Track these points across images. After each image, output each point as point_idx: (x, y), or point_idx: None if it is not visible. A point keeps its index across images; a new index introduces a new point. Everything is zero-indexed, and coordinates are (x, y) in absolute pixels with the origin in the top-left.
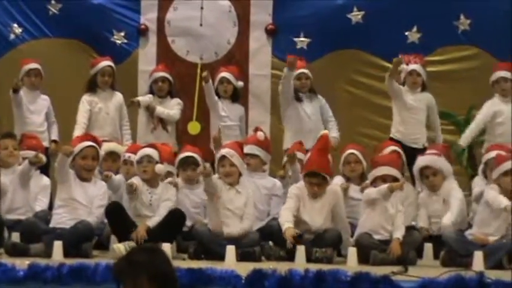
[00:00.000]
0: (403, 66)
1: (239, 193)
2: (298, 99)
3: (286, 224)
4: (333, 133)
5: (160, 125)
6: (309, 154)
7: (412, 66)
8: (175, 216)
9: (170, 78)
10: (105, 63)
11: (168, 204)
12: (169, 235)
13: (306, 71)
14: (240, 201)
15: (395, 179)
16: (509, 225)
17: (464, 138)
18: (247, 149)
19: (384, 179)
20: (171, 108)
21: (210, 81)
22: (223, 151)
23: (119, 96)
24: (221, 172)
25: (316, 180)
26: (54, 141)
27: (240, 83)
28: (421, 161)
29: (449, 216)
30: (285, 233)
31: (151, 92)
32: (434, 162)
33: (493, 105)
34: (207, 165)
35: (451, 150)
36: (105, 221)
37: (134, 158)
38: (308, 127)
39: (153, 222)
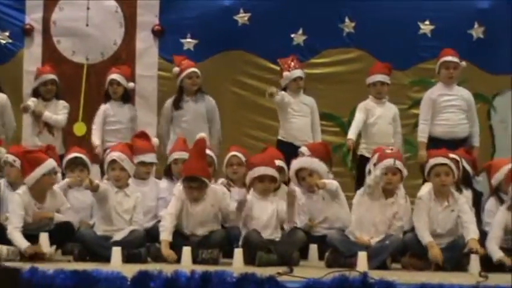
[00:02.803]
0: (286, 73)
1: (128, 196)
2: (178, 107)
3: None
4: (214, 140)
5: (46, 129)
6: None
7: (296, 73)
8: (65, 229)
9: (57, 80)
10: None
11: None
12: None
13: (196, 69)
14: (129, 204)
15: (273, 179)
16: (388, 226)
17: (352, 130)
18: (144, 157)
19: (261, 179)
20: (58, 112)
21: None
22: (114, 154)
23: (1, 96)
24: (111, 175)
25: (196, 184)
26: None
27: (131, 84)
28: (296, 163)
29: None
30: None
31: (36, 93)
32: (309, 164)
33: (366, 106)
34: (96, 182)
35: (335, 152)
36: None
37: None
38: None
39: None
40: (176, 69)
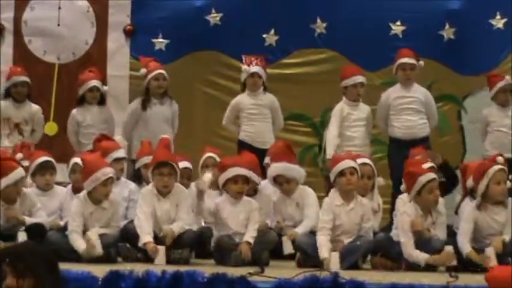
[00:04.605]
0: (244, 67)
1: (104, 209)
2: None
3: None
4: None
5: (16, 129)
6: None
7: (254, 69)
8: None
9: (29, 81)
10: None
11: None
12: None
13: (163, 71)
14: (106, 217)
15: (246, 179)
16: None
17: (330, 148)
18: (117, 153)
19: (235, 180)
20: (31, 117)
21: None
22: (109, 171)
23: None
24: (101, 192)
25: (166, 170)
26: None
27: (106, 87)
28: (274, 169)
29: (304, 225)
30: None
31: (7, 94)
32: (288, 172)
33: (342, 113)
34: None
35: (307, 152)
36: None
37: None
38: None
39: None
40: (143, 70)
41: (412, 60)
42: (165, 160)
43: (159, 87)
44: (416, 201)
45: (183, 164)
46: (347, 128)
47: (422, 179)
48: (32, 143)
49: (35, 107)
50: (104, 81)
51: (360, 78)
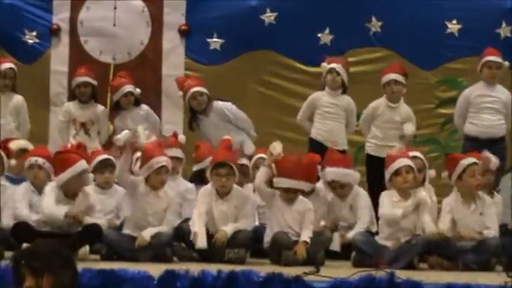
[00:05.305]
0: (324, 64)
1: (159, 197)
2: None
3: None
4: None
5: (82, 130)
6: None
7: (332, 65)
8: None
9: (93, 82)
10: (7, 65)
11: None
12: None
13: (198, 88)
14: (160, 206)
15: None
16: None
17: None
18: (172, 152)
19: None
20: (98, 119)
21: None
22: (163, 160)
23: (18, 98)
24: (157, 180)
25: (224, 170)
26: None
27: (138, 90)
28: (328, 174)
29: (357, 228)
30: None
31: (73, 96)
32: (343, 177)
33: (375, 111)
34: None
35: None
36: None
37: (42, 161)
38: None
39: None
40: (180, 93)
41: (498, 59)
42: (223, 161)
43: (198, 105)
44: (457, 186)
45: (240, 160)
46: (379, 127)
47: (464, 162)
48: (100, 143)
49: (100, 108)
50: (158, 81)
51: (391, 76)
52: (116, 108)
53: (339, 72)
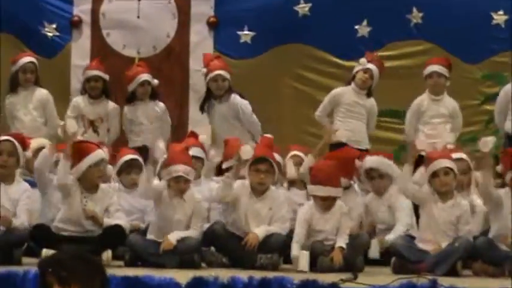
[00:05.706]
0: (362, 60)
1: (184, 202)
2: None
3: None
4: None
5: (91, 128)
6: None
7: (369, 65)
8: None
9: (104, 76)
10: (27, 59)
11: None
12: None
13: (222, 72)
14: (184, 212)
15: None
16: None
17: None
18: (193, 151)
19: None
20: (108, 116)
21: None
22: (181, 170)
23: (41, 92)
24: (175, 188)
25: (264, 167)
26: None
27: (156, 81)
28: (368, 162)
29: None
30: None
31: (84, 90)
32: (383, 166)
33: (420, 108)
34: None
35: (403, 151)
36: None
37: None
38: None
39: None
40: (204, 69)
41: None
42: (264, 156)
43: (217, 89)
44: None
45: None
46: (425, 123)
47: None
48: (108, 142)
49: (111, 105)
50: (185, 76)
51: (434, 68)
52: (131, 100)
53: (373, 76)
